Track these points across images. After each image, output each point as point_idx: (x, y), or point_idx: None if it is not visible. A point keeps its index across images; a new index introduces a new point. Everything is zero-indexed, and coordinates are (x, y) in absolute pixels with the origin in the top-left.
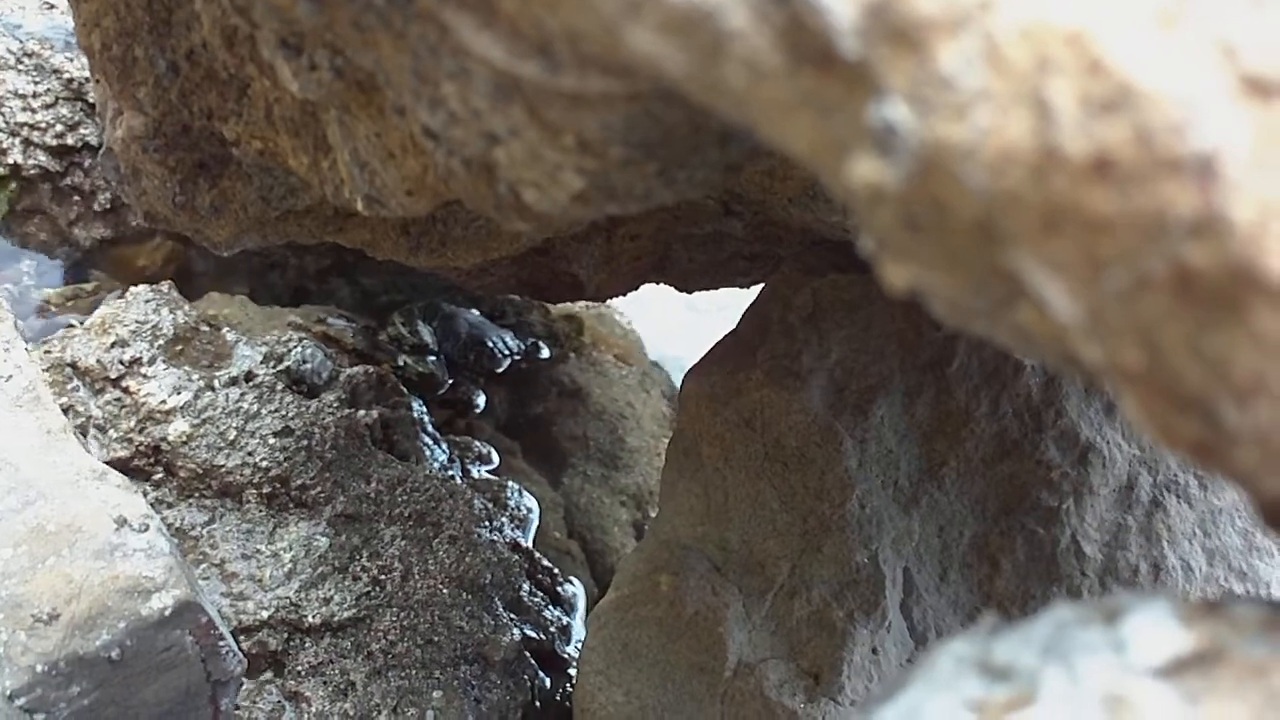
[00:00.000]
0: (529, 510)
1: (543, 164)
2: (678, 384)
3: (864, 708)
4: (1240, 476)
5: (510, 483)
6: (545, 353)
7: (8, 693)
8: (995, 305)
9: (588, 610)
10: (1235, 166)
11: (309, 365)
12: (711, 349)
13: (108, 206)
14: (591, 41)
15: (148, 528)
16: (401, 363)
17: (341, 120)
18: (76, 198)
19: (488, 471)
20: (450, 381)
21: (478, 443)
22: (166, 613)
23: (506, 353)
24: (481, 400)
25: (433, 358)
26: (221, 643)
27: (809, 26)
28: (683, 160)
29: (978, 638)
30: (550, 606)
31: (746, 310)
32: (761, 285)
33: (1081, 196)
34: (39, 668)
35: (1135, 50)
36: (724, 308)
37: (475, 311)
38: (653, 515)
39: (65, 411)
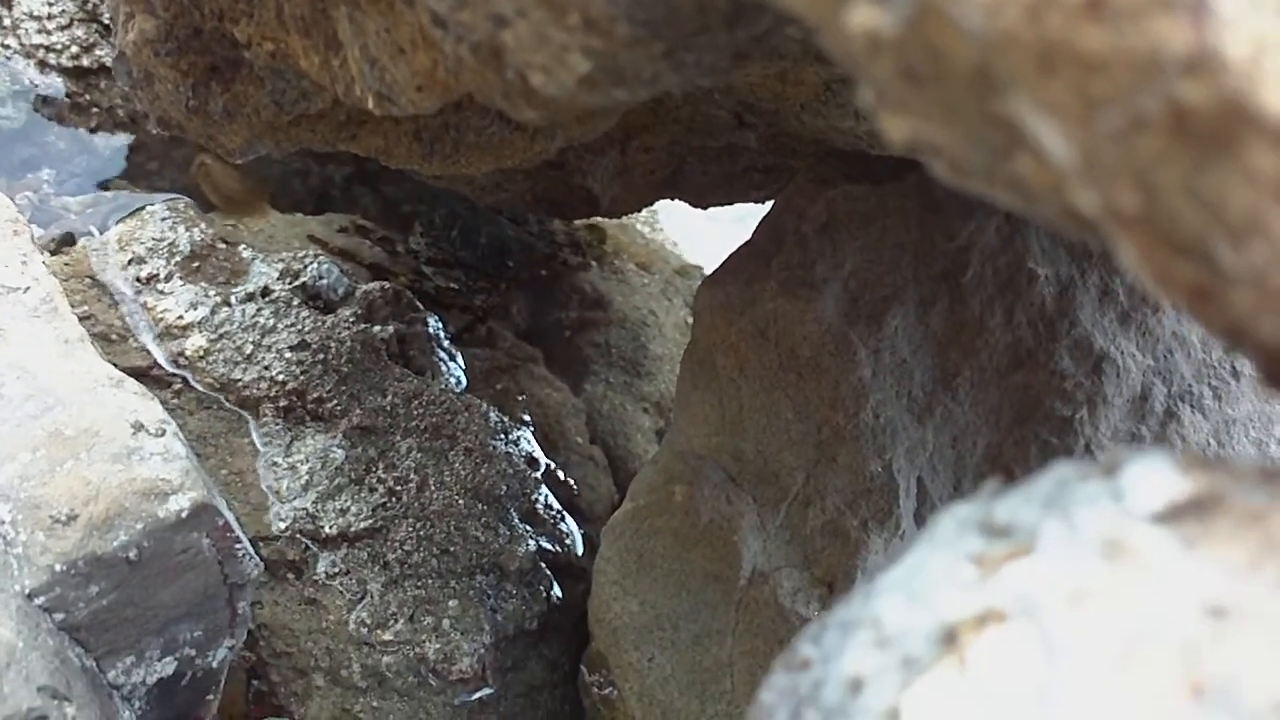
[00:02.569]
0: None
1: (549, 45)
2: None
3: (869, 575)
4: (1236, 322)
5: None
6: (566, 259)
7: (27, 592)
8: (994, 157)
9: (606, 517)
10: (1228, 2)
11: (325, 281)
12: (725, 260)
13: (127, 119)
14: None
15: (164, 432)
16: (423, 274)
17: (352, 17)
18: (95, 110)
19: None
20: (470, 290)
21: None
22: (183, 515)
23: (526, 259)
24: (500, 305)
25: (453, 268)
26: (238, 545)
27: None
28: (689, 41)
29: (979, 500)
30: (565, 518)
31: (761, 221)
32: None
33: (1075, 35)
34: (58, 567)
35: None
36: (741, 219)
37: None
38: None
39: (83, 321)
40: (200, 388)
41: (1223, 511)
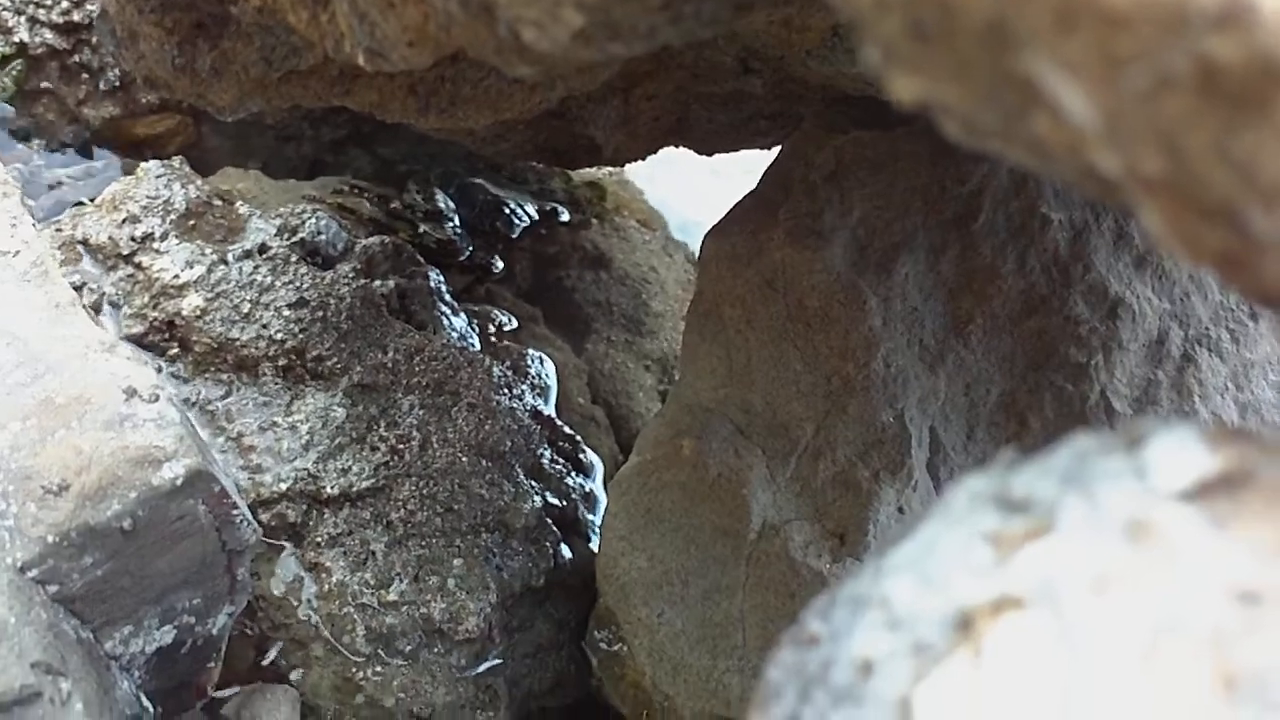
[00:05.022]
0: (548, 378)
1: (542, 0)
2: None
3: (880, 550)
4: (1268, 288)
5: (530, 350)
6: (565, 217)
7: (19, 565)
8: (1009, 117)
9: (610, 477)
10: None
11: (324, 236)
12: (732, 209)
13: (117, 84)
14: None
15: (157, 398)
16: (419, 230)
17: None
18: (85, 75)
19: (508, 336)
20: (469, 248)
21: (497, 311)
22: (178, 482)
23: (525, 218)
24: (500, 264)
25: (450, 224)
26: (235, 511)
27: None
28: None
29: (995, 472)
30: (572, 474)
31: (767, 169)
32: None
33: None
34: (50, 539)
35: None
36: (748, 171)
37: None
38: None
39: (78, 289)
40: (197, 350)
41: (1254, 489)
